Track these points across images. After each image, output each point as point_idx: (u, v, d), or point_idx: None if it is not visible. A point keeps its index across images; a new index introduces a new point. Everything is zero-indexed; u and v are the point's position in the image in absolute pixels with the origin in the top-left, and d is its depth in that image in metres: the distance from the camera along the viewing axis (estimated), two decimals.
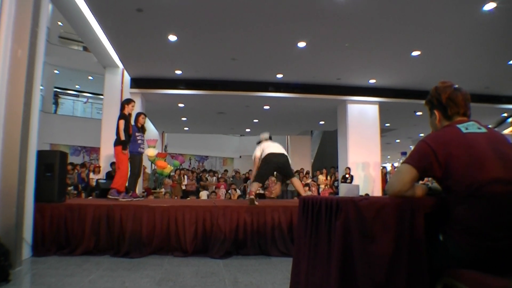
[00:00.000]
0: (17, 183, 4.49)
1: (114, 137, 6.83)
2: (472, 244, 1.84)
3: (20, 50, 4.65)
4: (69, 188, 10.43)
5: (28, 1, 4.80)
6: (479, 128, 2.03)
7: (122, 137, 6.69)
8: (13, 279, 3.95)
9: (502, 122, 16.27)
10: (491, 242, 1.79)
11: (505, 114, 15.87)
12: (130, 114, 6.99)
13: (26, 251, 4.92)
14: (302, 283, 2.38)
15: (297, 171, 15.76)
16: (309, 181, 14.59)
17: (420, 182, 2.33)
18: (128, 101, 7.03)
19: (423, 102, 2.36)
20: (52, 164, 5.68)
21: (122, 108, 6.93)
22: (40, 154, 5.51)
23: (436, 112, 2.21)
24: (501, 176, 1.83)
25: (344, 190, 2.48)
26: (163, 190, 13.23)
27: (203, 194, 13.98)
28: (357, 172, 13.58)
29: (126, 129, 6.78)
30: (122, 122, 6.73)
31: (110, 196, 6.44)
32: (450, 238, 1.93)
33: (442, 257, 1.95)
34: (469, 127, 2.03)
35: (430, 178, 2.21)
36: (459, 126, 2.04)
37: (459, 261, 1.88)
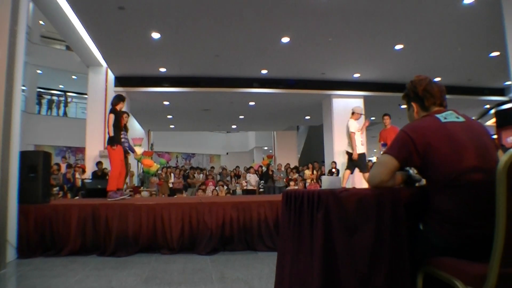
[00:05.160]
0: (0, 184, 4.44)
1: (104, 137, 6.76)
2: (451, 232, 1.86)
3: None
4: (55, 189, 10.32)
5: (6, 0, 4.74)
6: (457, 118, 2.05)
7: (111, 133, 6.61)
8: None
9: (485, 114, 16.45)
10: (470, 230, 1.82)
11: (488, 106, 16.04)
12: (121, 110, 6.92)
13: (10, 254, 4.87)
14: (287, 276, 2.39)
15: (286, 167, 15.85)
16: (295, 176, 14.64)
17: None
18: (119, 100, 6.91)
19: None
20: (35, 165, 5.61)
21: (113, 106, 6.82)
22: (23, 155, 5.45)
23: (413, 104, 2.26)
24: (479, 165, 1.86)
25: (326, 182, 2.49)
26: (147, 189, 13.17)
27: (189, 192, 13.96)
28: (343, 166, 13.63)
29: (118, 124, 6.71)
30: (112, 116, 6.64)
31: (109, 199, 6.37)
32: (430, 227, 1.96)
33: (423, 246, 1.97)
34: (448, 116, 2.05)
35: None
36: (437, 116, 2.06)
37: (439, 249, 1.90)
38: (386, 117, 8.80)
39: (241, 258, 5.04)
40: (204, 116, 17.95)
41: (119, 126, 6.77)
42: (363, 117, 8.28)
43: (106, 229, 5.38)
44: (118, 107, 6.84)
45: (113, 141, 6.64)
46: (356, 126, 7.76)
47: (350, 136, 7.67)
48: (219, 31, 9.22)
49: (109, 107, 6.96)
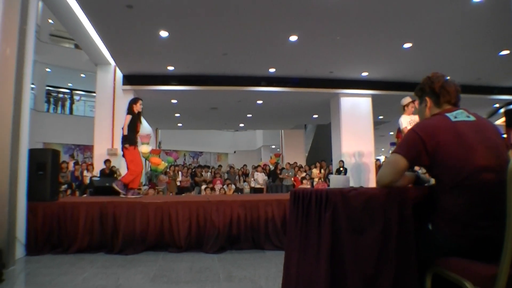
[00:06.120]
0: (9, 182, 4.46)
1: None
2: (460, 232, 1.85)
3: (8, 49, 4.62)
4: (63, 187, 10.38)
5: None
6: (468, 117, 2.03)
7: (125, 132, 6.64)
8: (6, 279, 3.94)
9: (494, 113, 16.33)
10: (478, 230, 1.81)
11: (497, 105, 15.90)
12: (139, 113, 6.93)
13: (19, 251, 4.90)
14: (294, 275, 2.38)
15: (294, 166, 15.83)
16: (303, 174, 14.63)
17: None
18: (136, 100, 6.93)
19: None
20: (44, 162, 5.63)
21: (130, 107, 6.84)
22: (32, 153, 5.47)
23: (427, 99, 2.23)
24: (489, 164, 1.84)
25: (334, 181, 2.48)
26: (156, 188, 13.18)
27: (196, 190, 13.98)
28: (351, 165, 13.61)
29: (133, 126, 6.74)
30: (128, 117, 6.68)
31: (114, 186, 6.38)
32: (438, 227, 1.94)
33: (431, 247, 1.96)
34: (458, 115, 2.03)
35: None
36: (447, 114, 2.04)
37: (448, 249, 1.89)
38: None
39: (249, 257, 5.04)
40: (211, 115, 17.96)
41: (135, 129, 6.79)
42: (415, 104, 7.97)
43: (114, 227, 5.40)
44: (135, 109, 6.84)
45: (128, 141, 6.66)
46: (407, 120, 7.47)
47: (404, 132, 7.41)
48: (227, 30, 9.21)
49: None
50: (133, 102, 6.90)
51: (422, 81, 2.29)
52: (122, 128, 6.70)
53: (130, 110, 6.81)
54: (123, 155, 6.82)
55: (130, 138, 6.69)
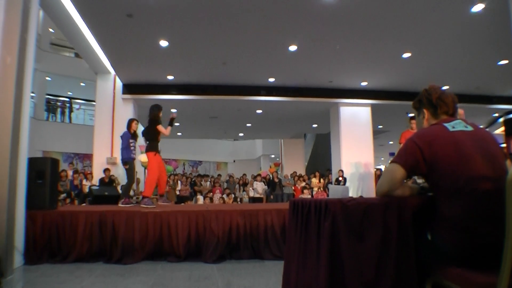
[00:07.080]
0: (7, 190, 4.45)
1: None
2: (459, 240, 1.84)
3: (9, 57, 4.63)
4: (62, 195, 10.35)
5: (16, 7, 4.78)
6: (466, 127, 2.05)
7: (166, 132, 7.28)
8: None
9: (494, 122, 16.36)
10: (478, 238, 1.80)
11: (496, 114, 15.97)
12: (135, 132, 7.37)
13: (17, 259, 4.89)
14: (293, 283, 2.38)
15: (293, 175, 15.79)
16: (303, 184, 14.60)
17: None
18: (159, 108, 7.47)
19: None
20: (43, 171, 5.64)
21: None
22: (31, 161, 5.48)
23: (425, 111, 2.26)
24: (486, 173, 1.84)
25: (333, 191, 2.48)
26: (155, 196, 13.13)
27: (200, 199, 13.95)
28: (350, 174, 13.59)
29: (153, 134, 7.12)
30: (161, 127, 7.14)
31: (143, 205, 6.35)
32: (437, 235, 1.94)
33: (431, 255, 1.96)
34: (456, 125, 2.05)
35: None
36: (445, 124, 2.06)
37: (447, 258, 1.88)
38: (413, 121, 8.83)
39: (248, 266, 5.02)
40: (211, 124, 17.97)
41: (156, 137, 7.16)
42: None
43: (113, 236, 5.39)
44: (131, 129, 7.31)
45: (151, 148, 7.04)
46: None
47: None
48: (226, 39, 9.24)
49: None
50: (158, 109, 7.44)
51: (419, 93, 2.32)
52: (149, 140, 7.04)
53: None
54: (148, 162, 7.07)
55: (154, 145, 7.11)
